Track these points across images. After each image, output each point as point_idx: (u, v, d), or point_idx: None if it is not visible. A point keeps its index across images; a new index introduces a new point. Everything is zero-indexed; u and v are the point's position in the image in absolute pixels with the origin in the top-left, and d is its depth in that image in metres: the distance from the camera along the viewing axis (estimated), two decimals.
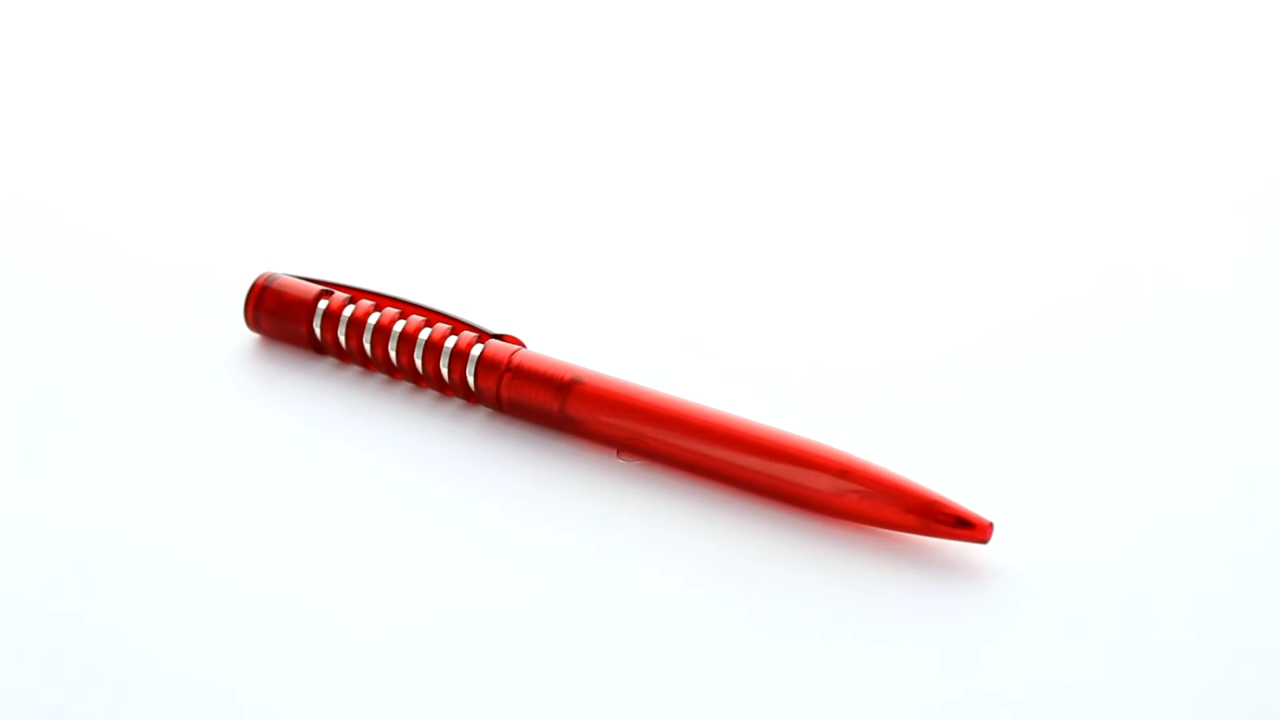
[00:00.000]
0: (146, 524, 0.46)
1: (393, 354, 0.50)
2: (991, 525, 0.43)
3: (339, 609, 0.43)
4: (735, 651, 0.42)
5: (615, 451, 0.47)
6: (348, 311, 0.50)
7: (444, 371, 0.49)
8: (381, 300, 0.51)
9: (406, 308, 0.50)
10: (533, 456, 0.48)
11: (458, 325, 0.50)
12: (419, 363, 0.49)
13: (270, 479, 0.47)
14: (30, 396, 0.51)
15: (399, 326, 0.50)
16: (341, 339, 0.50)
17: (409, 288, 0.52)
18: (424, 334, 0.49)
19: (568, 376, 0.48)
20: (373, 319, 0.50)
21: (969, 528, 0.43)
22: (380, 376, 0.51)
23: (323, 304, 0.51)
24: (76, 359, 0.52)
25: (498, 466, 0.48)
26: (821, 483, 0.44)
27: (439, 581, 0.44)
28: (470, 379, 0.49)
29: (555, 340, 0.50)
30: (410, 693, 0.41)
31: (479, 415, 0.49)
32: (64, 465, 0.48)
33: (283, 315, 0.51)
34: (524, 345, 0.49)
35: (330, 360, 0.52)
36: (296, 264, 0.54)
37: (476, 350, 0.49)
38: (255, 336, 0.52)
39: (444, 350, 0.49)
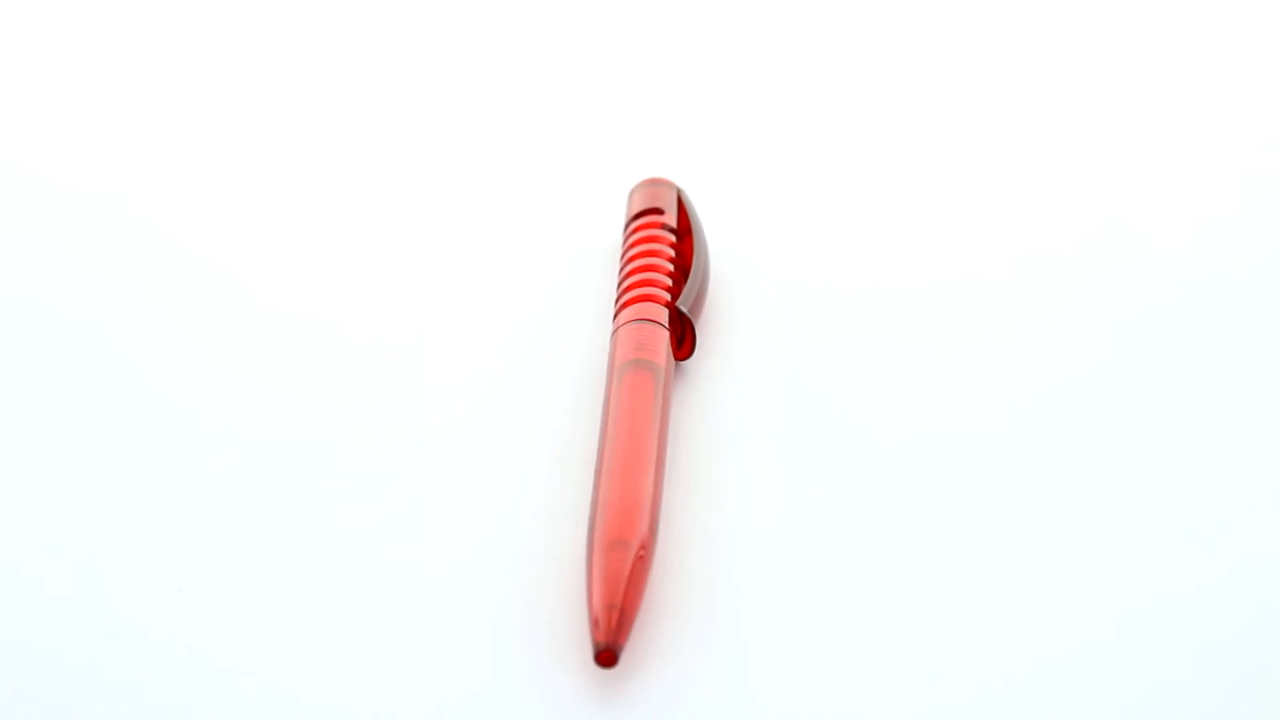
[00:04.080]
0: None
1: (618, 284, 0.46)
2: (606, 662, 0.35)
3: None
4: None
5: None
6: (632, 236, 0.48)
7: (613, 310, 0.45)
8: (669, 240, 0.47)
9: (676, 252, 0.47)
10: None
11: (670, 287, 0.45)
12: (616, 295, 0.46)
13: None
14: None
15: (628, 266, 0.46)
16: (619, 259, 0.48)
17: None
18: (629, 280, 0.46)
19: (636, 356, 0.43)
20: (630, 253, 0.47)
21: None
22: None
23: (636, 221, 0.48)
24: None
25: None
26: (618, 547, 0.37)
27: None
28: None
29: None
30: None
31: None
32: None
33: (631, 220, 0.49)
34: (686, 331, 0.44)
35: None
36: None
37: (634, 307, 0.44)
38: None
39: (624, 295, 0.45)
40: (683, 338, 0.44)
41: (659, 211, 0.48)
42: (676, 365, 0.44)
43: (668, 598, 0.37)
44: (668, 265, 0.46)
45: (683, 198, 0.49)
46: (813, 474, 0.41)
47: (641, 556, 0.37)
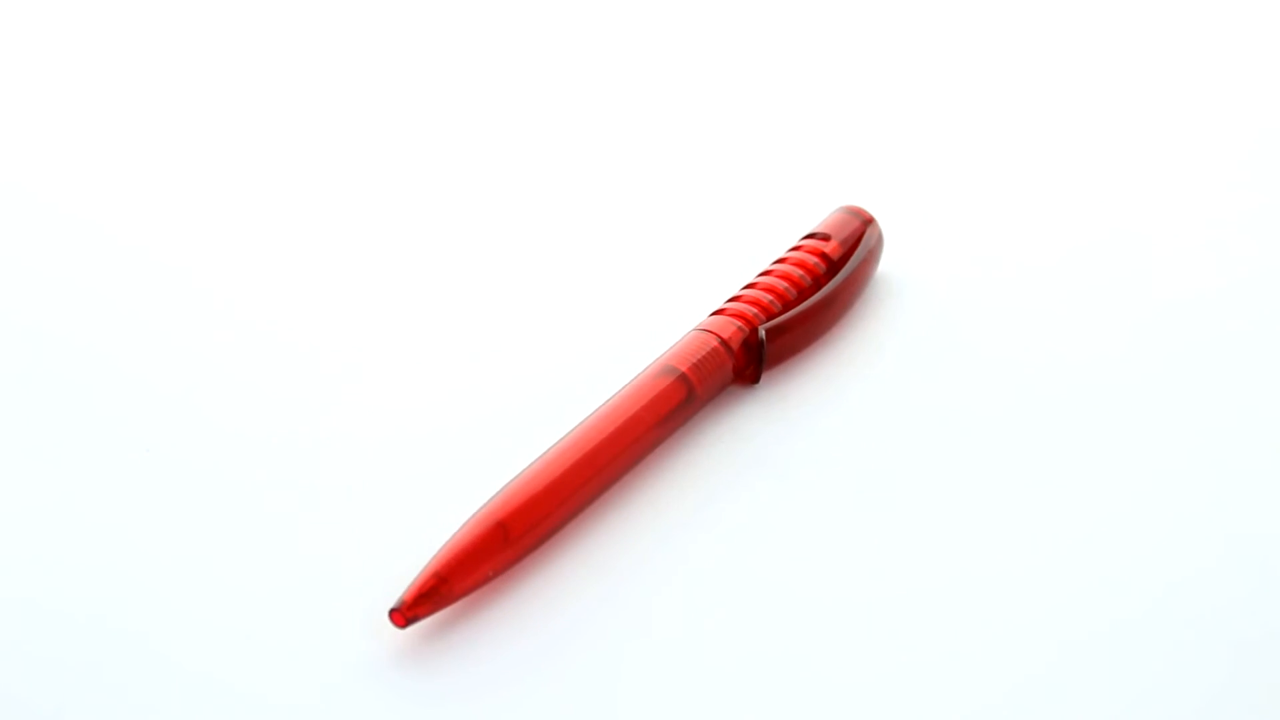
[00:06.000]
0: None
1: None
2: (395, 620, 0.34)
3: None
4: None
5: None
6: (783, 254, 0.46)
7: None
8: (811, 266, 0.45)
9: (815, 280, 0.45)
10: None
11: (776, 311, 0.43)
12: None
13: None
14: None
15: (754, 279, 0.45)
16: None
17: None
18: (740, 291, 0.44)
19: (672, 364, 0.41)
20: (767, 268, 0.45)
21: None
22: None
23: (800, 240, 0.46)
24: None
25: None
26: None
27: None
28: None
29: None
30: None
31: None
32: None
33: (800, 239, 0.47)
34: (757, 361, 0.42)
35: None
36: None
37: (715, 318, 0.43)
38: None
39: (723, 304, 0.44)
40: (759, 361, 0.43)
41: (825, 239, 0.46)
42: (749, 388, 0.43)
43: (542, 604, 0.35)
44: (784, 287, 0.44)
45: (865, 234, 0.47)
46: (805, 538, 0.39)
47: (507, 544, 0.36)
